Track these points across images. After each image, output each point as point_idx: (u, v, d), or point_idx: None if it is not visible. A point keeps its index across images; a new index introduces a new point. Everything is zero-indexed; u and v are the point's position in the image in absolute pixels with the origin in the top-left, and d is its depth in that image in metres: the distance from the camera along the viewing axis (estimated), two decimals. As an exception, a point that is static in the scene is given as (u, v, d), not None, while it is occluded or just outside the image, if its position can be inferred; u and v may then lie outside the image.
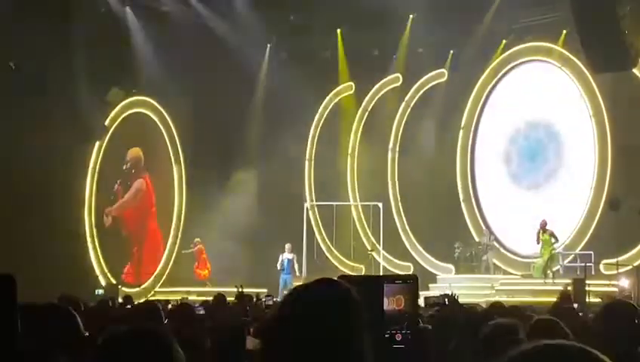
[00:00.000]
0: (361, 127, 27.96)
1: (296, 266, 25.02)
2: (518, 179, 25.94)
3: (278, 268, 24.75)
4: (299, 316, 2.26)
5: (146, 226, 29.00)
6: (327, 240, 27.32)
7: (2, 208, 25.14)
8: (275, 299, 14.02)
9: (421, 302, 15.98)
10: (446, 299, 11.14)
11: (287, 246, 24.93)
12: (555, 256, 22.90)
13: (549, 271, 22.63)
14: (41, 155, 25.16)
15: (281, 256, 24.83)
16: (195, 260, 26.82)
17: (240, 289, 11.06)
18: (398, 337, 4.17)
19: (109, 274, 28.03)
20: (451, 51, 26.25)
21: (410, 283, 3.96)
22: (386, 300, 4.03)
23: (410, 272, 25.86)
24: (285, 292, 18.86)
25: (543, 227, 22.68)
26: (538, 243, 22.81)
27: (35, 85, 24.61)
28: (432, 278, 24.96)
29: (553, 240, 22.73)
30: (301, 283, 2.40)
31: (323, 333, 2.23)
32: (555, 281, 21.95)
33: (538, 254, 23.53)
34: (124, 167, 29.07)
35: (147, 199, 29.19)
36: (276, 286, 24.24)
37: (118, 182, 29.08)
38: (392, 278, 4.34)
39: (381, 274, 25.08)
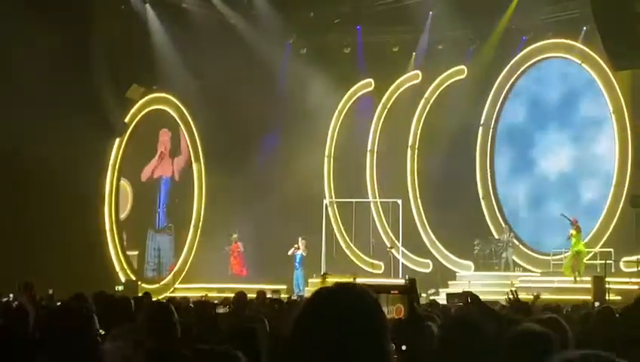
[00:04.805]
0: (381, 123, 27.93)
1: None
2: (536, 175, 25.85)
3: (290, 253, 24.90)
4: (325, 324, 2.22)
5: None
6: (346, 236, 27.33)
7: (22, 206, 25.35)
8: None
9: (443, 298, 15.95)
10: (468, 298, 11.14)
11: (301, 241, 24.96)
12: (582, 253, 22.38)
13: (576, 271, 22.13)
14: (62, 152, 25.33)
15: (293, 249, 24.90)
16: (231, 256, 26.64)
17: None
18: (403, 347, 4.20)
19: (128, 270, 28.18)
20: (471, 48, 26.19)
21: (408, 293, 3.89)
22: (385, 309, 4.03)
23: (429, 269, 25.88)
24: (300, 288, 18.91)
25: (574, 224, 22.44)
26: (569, 239, 22.50)
27: (56, 82, 24.75)
28: (452, 275, 24.95)
29: (580, 235, 22.35)
30: (324, 288, 2.37)
31: (353, 337, 2.21)
32: (582, 279, 21.66)
33: (558, 251, 23.54)
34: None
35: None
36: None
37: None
38: (389, 288, 4.30)
39: (400, 271, 25.14)
